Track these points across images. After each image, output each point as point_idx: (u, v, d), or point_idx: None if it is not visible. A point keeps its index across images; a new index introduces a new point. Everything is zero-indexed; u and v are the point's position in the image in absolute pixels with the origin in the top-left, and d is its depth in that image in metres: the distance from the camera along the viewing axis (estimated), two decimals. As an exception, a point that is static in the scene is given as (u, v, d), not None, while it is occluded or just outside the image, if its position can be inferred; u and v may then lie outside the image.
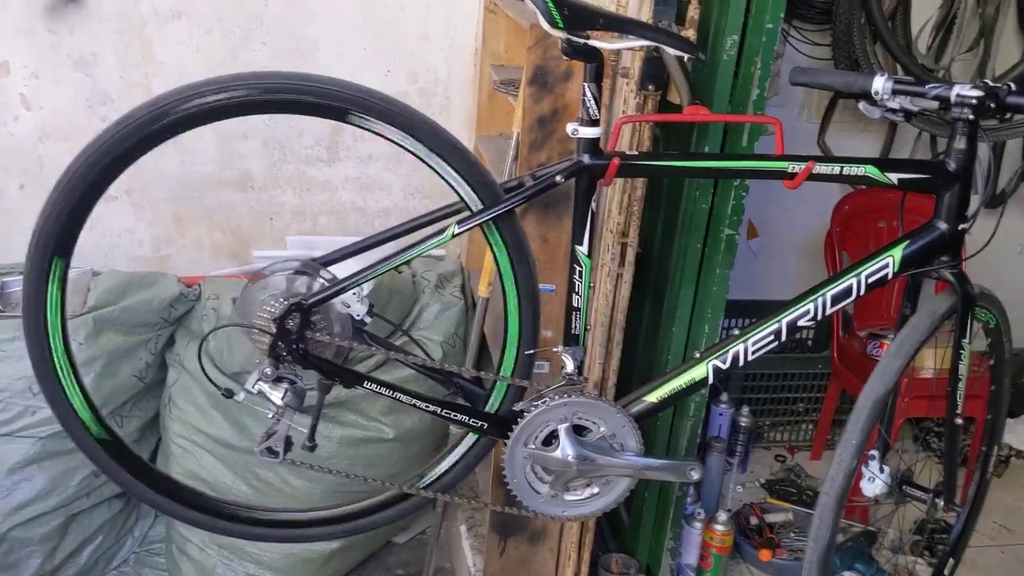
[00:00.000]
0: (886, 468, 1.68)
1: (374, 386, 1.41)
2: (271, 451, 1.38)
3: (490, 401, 1.49)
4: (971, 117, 1.40)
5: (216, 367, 2.15)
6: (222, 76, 1.22)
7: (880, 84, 1.42)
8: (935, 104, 1.42)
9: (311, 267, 1.41)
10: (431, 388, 1.57)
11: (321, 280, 1.40)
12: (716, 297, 1.98)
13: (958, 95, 1.38)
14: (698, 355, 1.51)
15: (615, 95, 1.89)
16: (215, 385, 1.50)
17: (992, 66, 2.97)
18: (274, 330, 1.33)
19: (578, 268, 1.43)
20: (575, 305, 1.45)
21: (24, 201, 2.38)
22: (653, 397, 1.50)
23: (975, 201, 1.51)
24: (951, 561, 1.96)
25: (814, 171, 1.41)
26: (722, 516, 2.34)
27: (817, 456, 3.06)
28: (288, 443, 1.40)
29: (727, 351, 1.48)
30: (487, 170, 1.38)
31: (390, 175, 2.60)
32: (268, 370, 1.34)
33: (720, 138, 1.86)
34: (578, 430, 1.46)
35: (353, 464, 2.18)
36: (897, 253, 1.47)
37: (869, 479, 1.68)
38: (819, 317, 1.47)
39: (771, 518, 2.61)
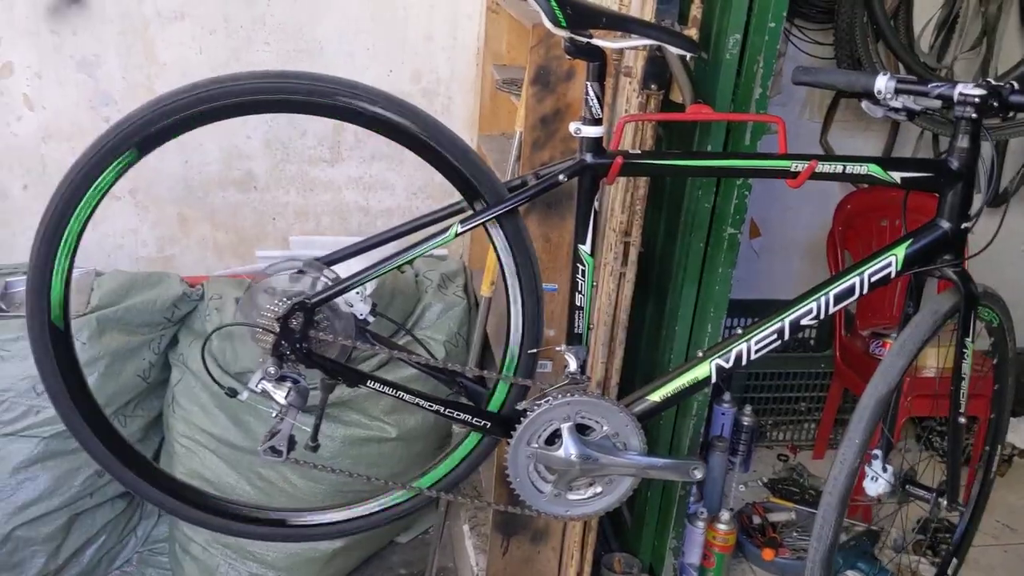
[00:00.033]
0: (889, 467, 1.67)
1: (377, 385, 1.41)
2: (274, 450, 1.38)
3: (493, 400, 1.49)
4: (974, 116, 1.40)
5: (219, 367, 2.15)
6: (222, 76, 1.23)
7: (883, 83, 1.42)
8: (938, 103, 1.42)
9: (314, 267, 1.42)
10: (434, 387, 1.57)
11: (324, 280, 1.41)
12: (719, 296, 1.98)
13: (961, 94, 1.38)
14: (701, 354, 1.51)
15: (618, 94, 1.89)
16: (219, 384, 1.51)
17: (995, 65, 2.97)
18: (277, 329, 1.34)
19: (581, 267, 1.43)
20: (578, 304, 1.45)
21: (27, 201, 2.39)
22: (656, 396, 1.50)
23: (978, 200, 1.51)
24: (954, 560, 1.96)
25: (817, 170, 1.41)
26: (725, 515, 2.33)
27: (820, 455, 3.06)
28: (291, 442, 1.40)
29: (730, 350, 1.48)
30: (490, 169, 1.38)
31: (393, 175, 2.60)
32: (271, 369, 1.35)
33: (723, 137, 1.86)
34: (581, 429, 1.46)
35: (356, 463, 2.18)
36: (900, 252, 1.47)
37: (872, 478, 1.68)
38: (822, 316, 1.47)
39: (774, 517, 2.61)
